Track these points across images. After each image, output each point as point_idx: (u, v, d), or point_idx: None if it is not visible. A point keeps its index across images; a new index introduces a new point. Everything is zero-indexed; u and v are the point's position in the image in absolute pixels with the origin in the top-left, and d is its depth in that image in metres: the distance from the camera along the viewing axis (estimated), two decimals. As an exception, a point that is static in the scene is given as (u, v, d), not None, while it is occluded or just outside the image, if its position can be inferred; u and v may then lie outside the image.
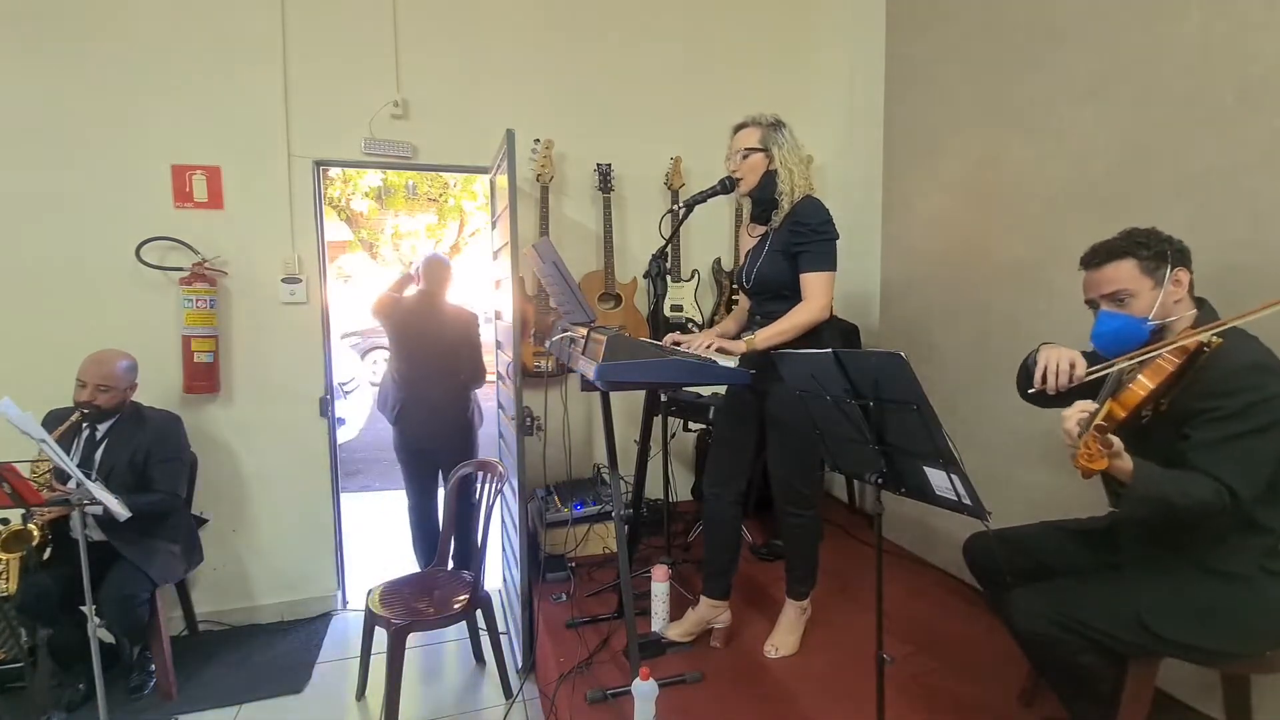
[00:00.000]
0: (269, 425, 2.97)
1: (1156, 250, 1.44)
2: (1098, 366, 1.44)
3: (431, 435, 3.00)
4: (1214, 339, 1.28)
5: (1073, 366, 1.47)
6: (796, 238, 1.98)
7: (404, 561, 3.43)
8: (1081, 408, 1.29)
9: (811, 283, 1.97)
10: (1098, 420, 1.22)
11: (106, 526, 2.31)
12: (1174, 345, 1.31)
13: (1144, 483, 1.28)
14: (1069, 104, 2.22)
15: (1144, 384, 1.30)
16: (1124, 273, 1.45)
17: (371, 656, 2.45)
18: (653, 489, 2.95)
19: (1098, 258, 1.50)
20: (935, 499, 1.33)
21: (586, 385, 1.99)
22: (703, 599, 2.22)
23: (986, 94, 2.57)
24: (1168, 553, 1.48)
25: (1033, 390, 1.54)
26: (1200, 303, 1.47)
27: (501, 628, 2.70)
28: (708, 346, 1.93)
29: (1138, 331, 1.43)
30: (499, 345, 2.91)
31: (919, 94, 2.96)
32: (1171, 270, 1.43)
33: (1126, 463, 1.27)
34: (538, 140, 3.15)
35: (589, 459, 3.38)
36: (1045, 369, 1.49)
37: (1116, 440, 1.23)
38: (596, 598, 2.60)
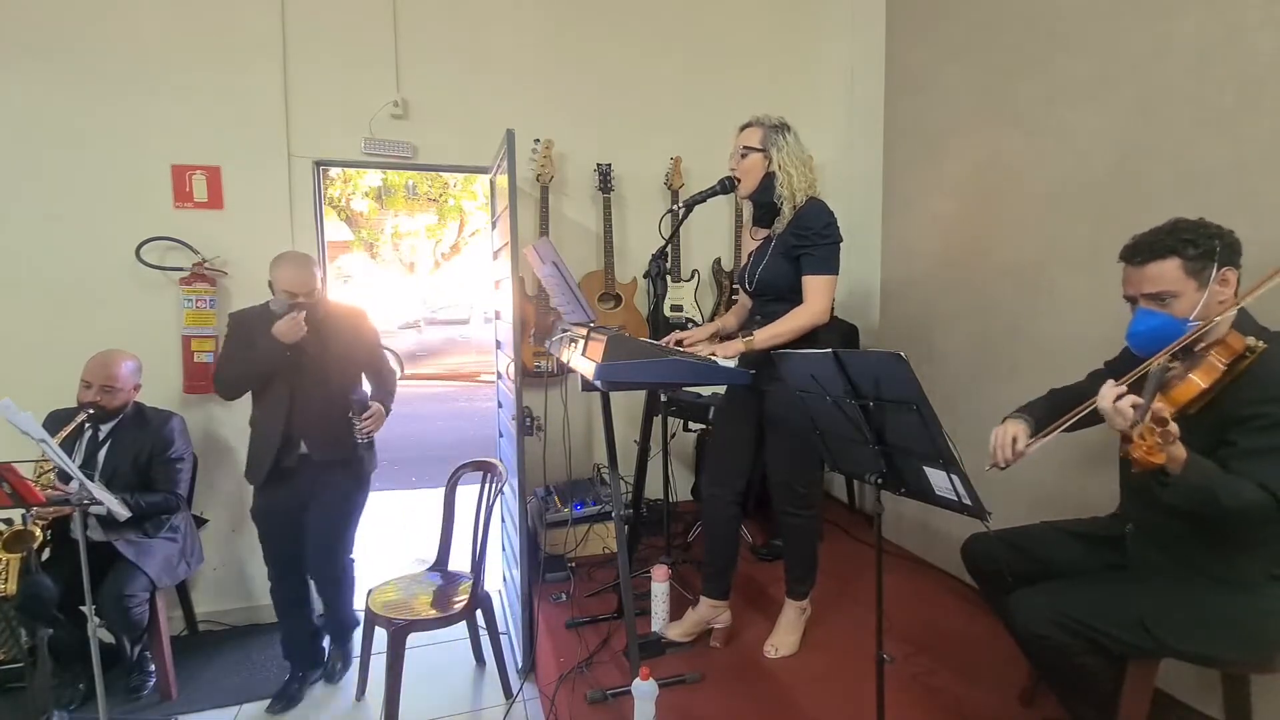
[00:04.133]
0: (269, 425, 2.96)
1: (1204, 248, 1.34)
2: (1081, 408, 1.41)
3: None
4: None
5: (1015, 440, 1.50)
6: (799, 240, 1.98)
7: (404, 561, 3.43)
8: (1120, 393, 1.23)
9: (812, 285, 1.97)
10: (1154, 412, 1.15)
11: (108, 526, 2.31)
12: (1221, 345, 1.26)
13: (1196, 472, 1.21)
14: (1069, 104, 2.22)
15: (1196, 382, 1.23)
16: (1167, 272, 1.35)
17: (371, 656, 2.45)
18: (653, 489, 2.95)
19: (1140, 255, 1.40)
20: (935, 499, 1.33)
21: (586, 385, 1.99)
22: (702, 599, 2.22)
23: (986, 94, 2.57)
24: (1174, 560, 1.47)
25: (989, 468, 1.52)
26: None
27: (501, 628, 2.69)
28: (710, 354, 1.91)
29: (1176, 333, 1.35)
30: (499, 345, 2.90)
31: (919, 94, 2.96)
32: (1218, 269, 1.34)
33: (1181, 451, 1.20)
34: (538, 140, 3.14)
35: (589, 459, 3.37)
36: (993, 447, 1.52)
37: (1175, 427, 1.16)
38: (596, 598, 2.60)
